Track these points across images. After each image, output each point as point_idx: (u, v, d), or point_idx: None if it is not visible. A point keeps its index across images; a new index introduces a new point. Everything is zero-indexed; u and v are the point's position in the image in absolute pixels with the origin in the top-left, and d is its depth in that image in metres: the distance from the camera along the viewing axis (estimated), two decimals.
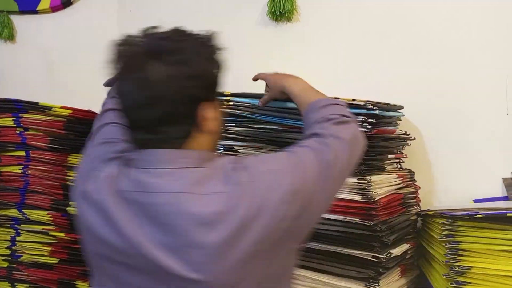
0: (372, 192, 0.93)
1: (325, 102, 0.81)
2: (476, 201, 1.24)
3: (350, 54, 1.36)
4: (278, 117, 1.00)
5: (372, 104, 0.95)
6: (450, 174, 1.29)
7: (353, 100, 0.98)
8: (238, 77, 0.96)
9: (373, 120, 0.94)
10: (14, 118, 1.29)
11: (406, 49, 1.29)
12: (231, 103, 1.04)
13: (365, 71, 1.33)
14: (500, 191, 1.24)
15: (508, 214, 0.87)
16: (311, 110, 0.80)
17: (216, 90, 0.68)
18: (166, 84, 0.60)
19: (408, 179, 1.16)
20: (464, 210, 0.98)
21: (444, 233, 0.96)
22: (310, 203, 0.65)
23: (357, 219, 0.93)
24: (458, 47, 1.24)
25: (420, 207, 1.19)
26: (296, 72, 0.97)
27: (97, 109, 1.34)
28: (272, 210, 0.60)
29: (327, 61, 1.39)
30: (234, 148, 1.05)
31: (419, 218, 1.18)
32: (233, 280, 0.60)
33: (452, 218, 0.95)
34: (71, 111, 1.32)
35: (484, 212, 0.89)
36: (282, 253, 0.65)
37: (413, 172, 1.21)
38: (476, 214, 0.89)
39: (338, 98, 0.92)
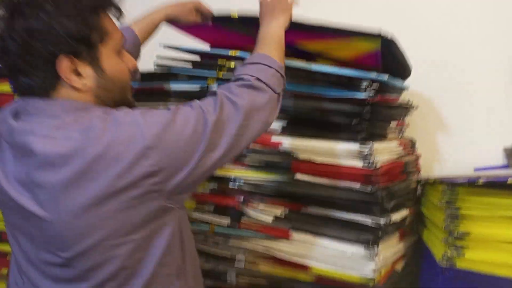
0: (374, 159, 0.92)
1: (255, 59, 0.79)
2: (476, 169, 1.24)
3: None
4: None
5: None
6: (451, 143, 1.29)
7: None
8: None
9: (378, 86, 0.92)
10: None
11: (405, 43, 1.27)
12: (231, 66, 1.02)
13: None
14: (501, 160, 1.25)
15: (509, 181, 0.87)
16: (243, 63, 0.79)
17: (82, 46, 0.65)
18: (10, 37, 0.63)
19: (410, 148, 1.16)
20: (465, 177, 0.98)
21: (444, 199, 0.97)
22: (173, 163, 0.64)
23: (358, 185, 0.93)
24: (459, 35, 1.23)
25: (420, 175, 1.20)
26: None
27: None
28: (122, 162, 0.61)
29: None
30: None
31: (419, 186, 1.19)
32: (82, 225, 0.63)
33: (453, 184, 0.95)
34: None
35: (485, 179, 0.89)
36: (144, 211, 0.65)
37: (415, 140, 1.21)
38: (476, 181, 0.90)
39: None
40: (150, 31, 1.00)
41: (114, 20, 0.72)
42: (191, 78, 1.07)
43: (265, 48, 0.82)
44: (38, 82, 0.65)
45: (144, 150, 0.62)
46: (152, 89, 1.11)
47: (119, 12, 0.71)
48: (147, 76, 1.12)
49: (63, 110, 0.65)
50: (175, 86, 1.08)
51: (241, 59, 1.01)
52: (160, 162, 0.63)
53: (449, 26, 1.25)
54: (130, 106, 0.73)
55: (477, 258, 0.92)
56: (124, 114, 0.65)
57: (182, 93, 1.07)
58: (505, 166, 1.24)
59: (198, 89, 1.05)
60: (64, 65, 0.64)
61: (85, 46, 0.66)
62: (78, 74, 0.66)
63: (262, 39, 0.85)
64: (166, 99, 1.09)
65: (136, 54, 0.97)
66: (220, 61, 1.03)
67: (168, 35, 1.07)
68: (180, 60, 1.10)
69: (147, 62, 1.13)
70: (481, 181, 0.89)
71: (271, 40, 0.84)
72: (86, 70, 0.66)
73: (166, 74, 1.10)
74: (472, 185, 0.91)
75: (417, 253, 1.15)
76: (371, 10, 1.31)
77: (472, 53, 1.24)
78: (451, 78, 1.26)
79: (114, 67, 0.69)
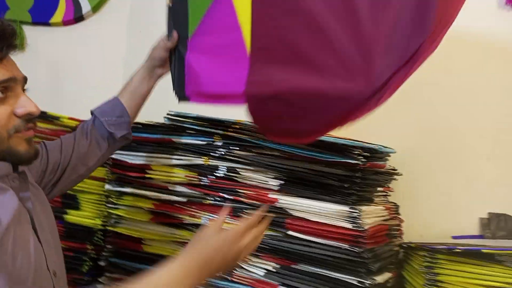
0: (362, 221, 1.00)
1: None
2: (454, 237, 1.33)
3: None
4: (278, 144, 1.07)
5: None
6: (431, 210, 1.37)
7: None
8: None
9: (368, 154, 1.02)
10: None
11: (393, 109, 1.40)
12: (237, 127, 1.11)
13: None
14: (477, 229, 1.34)
15: (483, 251, 0.95)
16: None
17: None
18: None
19: (394, 212, 1.24)
20: (444, 244, 1.06)
21: (424, 264, 1.04)
22: None
23: (347, 245, 0.99)
24: (450, 93, 1.35)
25: (402, 239, 1.27)
26: None
27: None
28: None
29: None
30: (236, 170, 1.11)
31: (401, 250, 1.26)
32: None
33: (433, 251, 1.03)
34: (77, 122, 1.37)
35: (462, 247, 0.98)
36: None
37: (398, 205, 1.29)
38: (454, 249, 0.98)
39: None
40: (142, 91, 1.06)
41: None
42: (198, 133, 1.15)
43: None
44: None
45: None
46: (161, 140, 1.18)
47: (3, 53, 0.71)
48: (157, 128, 1.21)
49: None
50: (183, 140, 1.16)
51: (245, 125, 1.10)
52: None
53: (435, 97, 1.35)
54: (18, 157, 0.73)
55: None
56: None
57: (189, 145, 1.15)
58: (480, 236, 1.33)
59: (204, 143, 1.13)
60: None
61: None
62: None
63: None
64: (173, 151, 1.17)
65: (124, 119, 1.03)
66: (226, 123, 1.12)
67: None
68: (189, 117, 1.18)
69: (158, 114, 1.23)
70: (458, 249, 0.97)
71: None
72: None
73: (175, 127, 1.18)
74: (450, 252, 0.99)
75: None
76: None
77: (457, 125, 1.34)
78: (436, 147, 1.35)
79: None
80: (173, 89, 1.06)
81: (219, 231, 0.76)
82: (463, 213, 1.35)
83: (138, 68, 1.07)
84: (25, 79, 0.77)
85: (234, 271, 1.07)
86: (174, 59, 1.05)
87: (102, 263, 1.26)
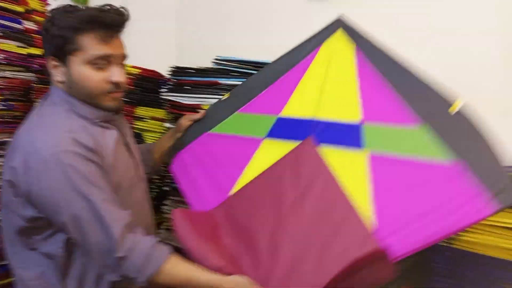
0: None
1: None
2: None
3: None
4: None
5: None
6: None
7: None
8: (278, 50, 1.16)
9: None
10: None
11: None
12: None
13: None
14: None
15: None
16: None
17: (59, 52, 0.94)
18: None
19: None
20: None
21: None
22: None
23: None
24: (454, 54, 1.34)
25: None
26: None
27: (161, 69, 1.60)
28: None
29: None
30: None
31: None
32: None
33: None
34: (140, 70, 1.57)
35: None
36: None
37: None
38: None
39: None
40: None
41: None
42: (241, 75, 1.30)
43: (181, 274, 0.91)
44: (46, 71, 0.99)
45: None
46: (209, 82, 1.35)
47: (107, 34, 0.94)
48: (205, 72, 1.37)
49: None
50: (228, 81, 1.32)
51: None
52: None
53: (450, 50, 1.35)
54: (106, 109, 0.99)
55: (473, 240, 1.09)
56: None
57: (233, 86, 1.31)
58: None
59: None
60: (49, 61, 0.97)
61: (61, 53, 0.95)
62: (57, 70, 0.97)
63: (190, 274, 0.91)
64: (220, 92, 1.33)
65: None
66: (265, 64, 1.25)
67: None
68: (232, 61, 1.33)
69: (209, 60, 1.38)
70: None
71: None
72: (60, 69, 0.97)
73: (220, 70, 1.34)
74: None
75: None
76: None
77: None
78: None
79: (79, 73, 0.95)
80: (173, 145, 1.25)
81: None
82: None
83: (167, 133, 1.31)
84: (124, 56, 1.00)
85: None
86: (189, 129, 1.23)
87: (166, 188, 1.50)
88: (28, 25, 1.76)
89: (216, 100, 1.32)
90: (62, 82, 0.98)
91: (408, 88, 0.94)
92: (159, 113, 1.57)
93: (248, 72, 1.29)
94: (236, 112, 1.17)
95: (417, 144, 0.89)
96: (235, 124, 1.15)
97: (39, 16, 1.82)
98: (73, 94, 0.98)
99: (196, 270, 0.91)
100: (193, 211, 1.11)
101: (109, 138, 1.01)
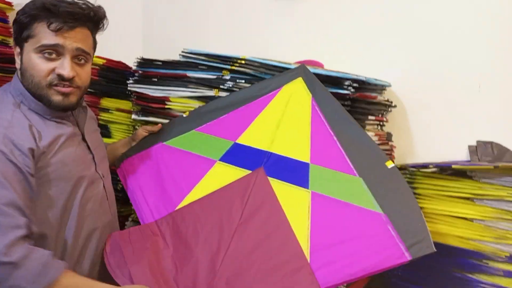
0: None
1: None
2: None
3: (349, 30, 1.55)
4: None
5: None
6: (424, 140, 1.49)
7: None
8: (251, 47, 1.17)
9: (357, 85, 1.15)
10: None
11: (389, 44, 1.49)
12: (243, 62, 1.25)
13: (363, 48, 1.52)
14: (466, 156, 1.46)
15: (453, 166, 1.10)
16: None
17: (18, 39, 0.95)
18: None
19: (385, 139, 1.38)
20: (420, 163, 1.21)
21: (406, 180, 1.20)
22: None
23: None
24: (443, 28, 1.42)
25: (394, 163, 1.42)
26: (298, 44, 1.17)
27: (127, 61, 1.58)
28: None
29: (328, 36, 1.58)
30: None
31: None
32: None
33: (411, 168, 1.19)
34: (104, 61, 1.54)
35: (434, 164, 1.13)
36: None
37: (391, 134, 1.43)
38: (428, 165, 1.13)
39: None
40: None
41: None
42: (209, 68, 1.30)
43: None
44: None
45: None
46: (177, 75, 1.35)
47: (61, 24, 0.92)
48: (173, 64, 1.36)
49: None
50: (196, 74, 1.32)
51: (249, 60, 1.24)
52: None
53: (430, 32, 1.43)
54: (52, 104, 0.95)
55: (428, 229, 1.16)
56: None
57: (201, 79, 1.31)
58: (467, 161, 1.47)
59: (214, 77, 1.29)
60: (14, 46, 0.97)
61: (20, 39, 0.94)
62: (17, 55, 0.96)
63: None
64: (188, 85, 1.33)
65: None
66: (233, 59, 1.27)
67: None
68: (200, 54, 1.33)
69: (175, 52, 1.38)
70: (431, 166, 1.12)
71: None
72: (18, 56, 0.96)
73: (188, 63, 1.34)
74: (424, 168, 1.15)
75: None
76: (357, 9, 1.52)
77: (450, 58, 1.42)
78: (430, 81, 1.45)
79: (28, 61, 0.94)
80: (123, 153, 1.29)
81: None
82: (454, 141, 1.47)
83: (123, 139, 1.35)
84: (78, 50, 0.96)
85: None
86: (145, 138, 1.28)
87: None
88: None
89: (184, 92, 1.33)
90: (20, 70, 0.97)
91: (350, 142, 1.05)
92: (126, 104, 1.55)
93: (215, 66, 1.29)
94: (194, 130, 1.22)
95: (353, 191, 1.00)
96: (191, 141, 1.21)
97: None
98: (25, 84, 0.96)
99: (94, 283, 0.90)
100: (131, 229, 1.14)
101: (62, 133, 0.99)
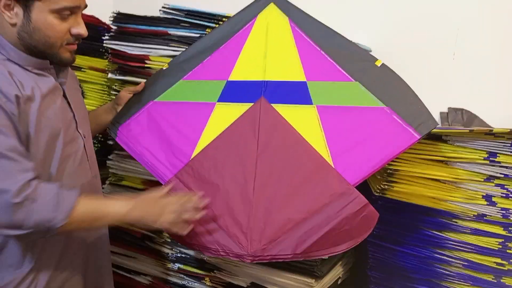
0: None
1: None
2: None
3: None
4: None
5: None
6: None
7: None
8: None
9: None
10: None
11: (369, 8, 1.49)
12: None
13: (340, 10, 1.52)
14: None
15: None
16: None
17: None
18: None
19: None
20: None
21: None
22: None
23: None
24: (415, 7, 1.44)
25: None
26: None
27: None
28: None
29: None
30: None
31: None
32: None
33: None
34: None
35: None
36: None
37: None
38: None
39: None
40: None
41: None
42: (192, 26, 1.26)
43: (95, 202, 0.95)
44: None
45: None
46: (157, 31, 1.29)
47: None
48: (153, 20, 1.31)
49: None
50: (178, 32, 1.27)
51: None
52: None
53: None
54: (61, 61, 0.96)
55: (402, 190, 1.21)
56: None
57: (183, 37, 1.27)
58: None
59: (198, 36, 1.25)
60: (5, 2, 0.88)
61: None
62: (10, 11, 0.89)
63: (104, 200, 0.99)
64: (169, 43, 1.29)
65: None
66: (218, 16, 1.23)
67: None
68: (183, 10, 1.28)
69: (153, 8, 1.32)
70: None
71: (101, 212, 0.94)
72: (17, 11, 0.89)
73: (170, 19, 1.28)
74: None
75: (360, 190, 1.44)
76: None
77: (428, 24, 1.44)
78: (406, 45, 1.48)
79: (42, 21, 0.90)
80: (112, 120, 1.23)
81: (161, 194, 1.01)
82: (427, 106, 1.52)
83: (104, 105, 1.29)
84: (85, 6, 0.98)
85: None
86: (131, 100, 1.22)
87: (110, 143, 1.45)
88: None
89: (165, 50, 1.28)
90: (12, 26, 0.91)
91: (338, 51, 1.12)
92: (100, 63, 1.49)
93: (198, 24, 1.25)
94: (181, 80, 1.19)
95: (354, 95, 1.08)
96: (183, 92, 1.19)
97: None
98: (29, 41, 0.92)
99: (106, 202, 0.95)
100: None
101: (43, 85, 0.96)
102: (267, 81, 1.12)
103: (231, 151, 1.08)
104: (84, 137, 1.06)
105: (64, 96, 1.02)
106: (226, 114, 1.12)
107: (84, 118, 1.10)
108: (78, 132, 1.04)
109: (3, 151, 0.84)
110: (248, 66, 1.15)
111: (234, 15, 1.19)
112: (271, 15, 1.17)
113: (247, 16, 1.18)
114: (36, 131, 0.91)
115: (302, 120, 1.07)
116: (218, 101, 1.14)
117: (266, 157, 1.05)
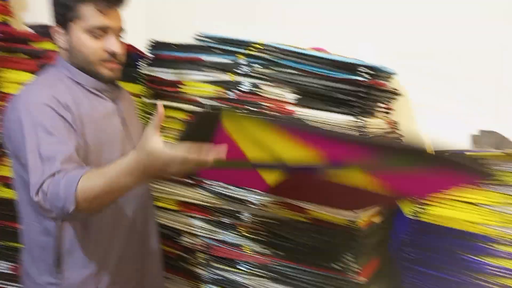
0: (366, 130, 1.18)
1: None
2: None
3: (353, 14, 1.55)
4: (296, 62, 1.22)
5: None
6: (428, 127, 1.51)
7: None
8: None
9: (372, 72, 1.17)
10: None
11: (392, 34, 1.49)
12: (259, 47, 1.25)
13: (366, 33, 1.53)
14: (469, 145, 1.50)
15: (466, 153, 1.13)
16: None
17: (61, 19, 1.03)
18: None
19: (394, 127, 1.42)
20: None
21: None
22: None
23: None
24: (441, 29, 1.44)
25: None
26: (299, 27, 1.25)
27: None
28: None
29: (333, 22, 1.58)
30: (258, 86, 1.27)
31: None
32: None
33: None
34: None
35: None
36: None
37: (397, 122, 1.47)
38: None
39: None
40: None
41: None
42: (224, 52, 1.30)
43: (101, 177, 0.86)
44: None
45: None
46: (191, 58, 1.34)
47: (106, 6, 1.01)
48: (187, 47, 1.36)
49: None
50: (211, 58, 1.32)
51: (266, 45, 1.24)
52: None
53: (433, 20, 1.44)
54: (101, 77, 1.05)
55: (436, 213, 1.20)
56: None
57: (216, 63, 1.31)
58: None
59: (229, 62, 1.29)
60: (53, 27, 1.05)
61: (64, 20, 1.02)
62: (59, 36, 1.04)
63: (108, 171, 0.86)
64: (202, 69, 1.33)
65: None
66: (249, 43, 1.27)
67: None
68: (216, 38, 1.33)
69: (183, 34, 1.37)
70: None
71: (108, 179, 0.85)
72: (62, 35, 1.04)
73: (203, 46, 1.33)
74: None
75: (392, 213, 1.42)
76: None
77: (454, 47, 1.44)
78: (433, 69, 1.46)
79: (78, 40, 1.02)
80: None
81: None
82: (457, 130, 1.50)
83: None
84: (121, 29, 1.07)
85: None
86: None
87: None
88: None
89: (198, 76, 1.33)
90: (65, 49, 1.06)
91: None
92: (134, 88, 1.54)
93: (231, 50, 1.29)
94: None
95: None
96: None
97: None
98: (73, 61, 1.06)
99: (107, 170, 0.86)
100: None
101: (100, 107, 1.07)
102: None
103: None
104: None
105: (120, 116, 1.12)
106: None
107: (138, 139, 1.14)
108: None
109: (39, 148, 0.90)
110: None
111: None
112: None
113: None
114: (85, 142, 1.00)
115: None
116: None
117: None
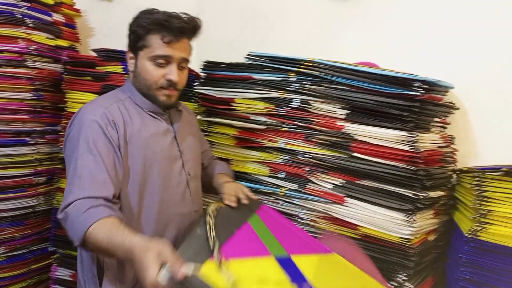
0: (418, 144, 1.16)
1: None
2: None
3: (409, 31, 1.55)
4: (347, 79, 1.23)
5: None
6: (485, 143, 1.47)
7: None
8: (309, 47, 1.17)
9: (427, 86, 1.15)
10: (123, 67, 1.60)
11: (450, 48, 1.47)
12: (309, 64, 1.28)
13: (421, 49, 1.52)
14: None
15: None
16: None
17: (132, 46, 1.12)
18: None
19: (449, 141, 1.37)
20: (492, 166, 1.20)
21: (474, 183, 1.19)
22: None
23: (404, 165, 1.16)
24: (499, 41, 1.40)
25: (456, 166, 1.41)
26: (356, 46, 1.25)
27: None
28: None
29: (387, 37, 1.58)
30: (308, 102, 1.29)
31: (455, 175, 1.40)
32: None
33: (482, 171, 1.18)
34: None
35: (508, 167, 1.11)
36: None
37: (454, 136, 1.42)
38: (501, 168, 1.12)
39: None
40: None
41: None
42: (275, 70, 1.34)
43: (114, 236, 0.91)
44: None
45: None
46: (242, 77, 1.39)
47: (171, 37, 1.07)
48: (238, 66, 1.41)
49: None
50: (262, 76, 1.36)
51: (316, 63, 1.26)
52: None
53: (493, 32, 1.41)
54: (158, 102, 1.13)
55: (497, 232, 1.14)
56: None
57: (266, 81, 1.34)
58: None
59: (280, 79, 1.32)
60: (127, 53, 1.14)
61: (134, 47, 1.11)
62: (131, 60, 1.14)
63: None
64: (253, 87, 1.37)
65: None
66: (299, 61, 1.29)
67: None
68: (266, 57, 1.37)
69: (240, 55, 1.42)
70: (504, 169, 1.11)
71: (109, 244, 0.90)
72: (132, 60, 1.14)
73: (254, 65, 1.38)
74: (496, 171, 1.13)
75: (448, 231, 1.37)
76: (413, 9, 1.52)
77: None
78: (490, 84, 1.43)
79: (143, 67, 1.11)
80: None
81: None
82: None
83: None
84: (184, 60, 1.13)
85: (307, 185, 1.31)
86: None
87: None
88: (57, 17, 1.80)
89: (249, 94, 1.37)
90: (132, 72, 1.16)
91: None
92: (189, 106, 1.61)
93: (281, 68, 1.33)
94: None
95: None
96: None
97: (67, 9, 1.86)
98: (136, 84, 1.15)
99: (119, 235, 0.90)
100: None
101: (152, 127, 1.14)
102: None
103: None
104: (189, 174, 1.20)
105: (172, 136, 1.18)
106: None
107: (194, 160, 1.24)
108: (183, 169, 1.18)
109: (80, 167, 1.00)
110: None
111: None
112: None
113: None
114: (128, 158, 1.08)
115: None
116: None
117: None
